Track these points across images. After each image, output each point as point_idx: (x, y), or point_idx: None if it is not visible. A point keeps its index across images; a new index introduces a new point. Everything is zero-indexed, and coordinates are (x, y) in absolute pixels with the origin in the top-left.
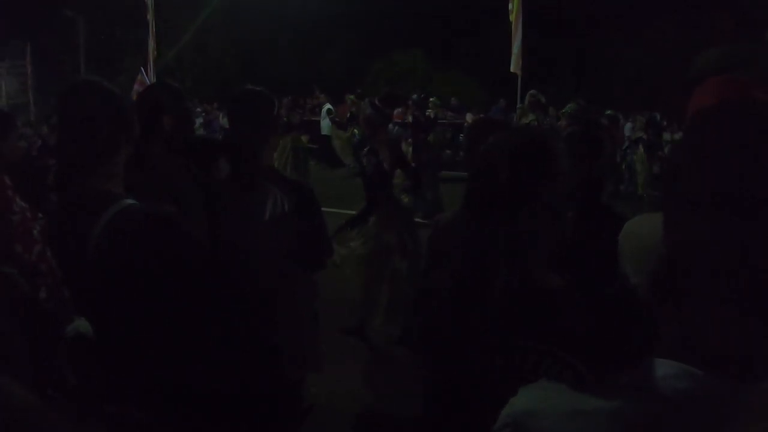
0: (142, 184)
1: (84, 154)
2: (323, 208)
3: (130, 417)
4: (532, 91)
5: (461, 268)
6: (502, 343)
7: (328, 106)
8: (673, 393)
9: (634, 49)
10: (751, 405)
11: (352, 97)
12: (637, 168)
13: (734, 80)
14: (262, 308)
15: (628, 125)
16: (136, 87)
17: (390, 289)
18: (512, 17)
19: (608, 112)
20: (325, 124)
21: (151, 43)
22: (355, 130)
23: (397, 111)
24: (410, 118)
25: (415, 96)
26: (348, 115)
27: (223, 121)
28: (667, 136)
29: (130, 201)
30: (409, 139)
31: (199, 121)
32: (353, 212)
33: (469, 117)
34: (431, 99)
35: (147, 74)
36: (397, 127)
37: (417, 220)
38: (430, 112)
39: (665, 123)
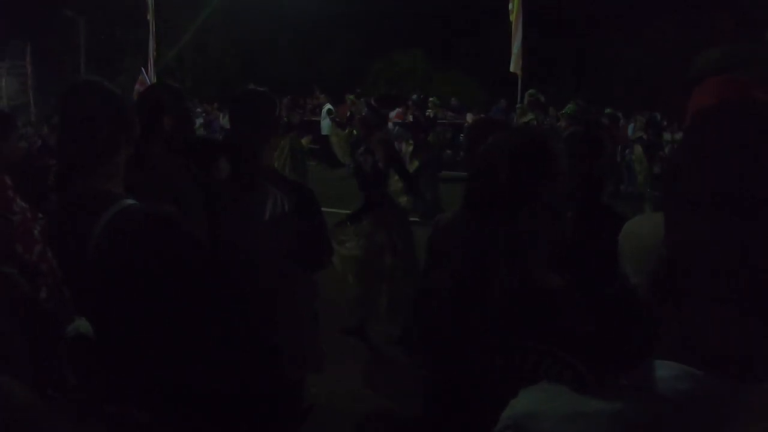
0: (142, 184)
1: (84, 154)
2: (323, 208)
3: (130, 417)
4: (531, 90)
5: (461, 268)
6: (502, 343)
7: (328, 106)
8: (673, 394)
9: (634, 49)
10: (751, 405)
11: (352, 97)
12: (635, 168)
13: (734, 80)
14: (262, 308)
15: (631, 126)
16: (138, 87)
17: (389, 289)
18: (512, 17)
19: (608, 110)
20: (326, 125)
21: (152, 43)
22: (354, 130)
23: (397, 111)
24: (410, 118)
25: (415, 96)
26: (348, 114)
27: (224, 121)
28: (667, 136)
29: (130, 201)
30: (410, 140)
31: (199, 121)
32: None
33: (469, 117)
34: (431, 99)
35: (147, 74)
36: (397, 127)
37: (414, 219)
38: (430, 112)
39: (665, 123)
